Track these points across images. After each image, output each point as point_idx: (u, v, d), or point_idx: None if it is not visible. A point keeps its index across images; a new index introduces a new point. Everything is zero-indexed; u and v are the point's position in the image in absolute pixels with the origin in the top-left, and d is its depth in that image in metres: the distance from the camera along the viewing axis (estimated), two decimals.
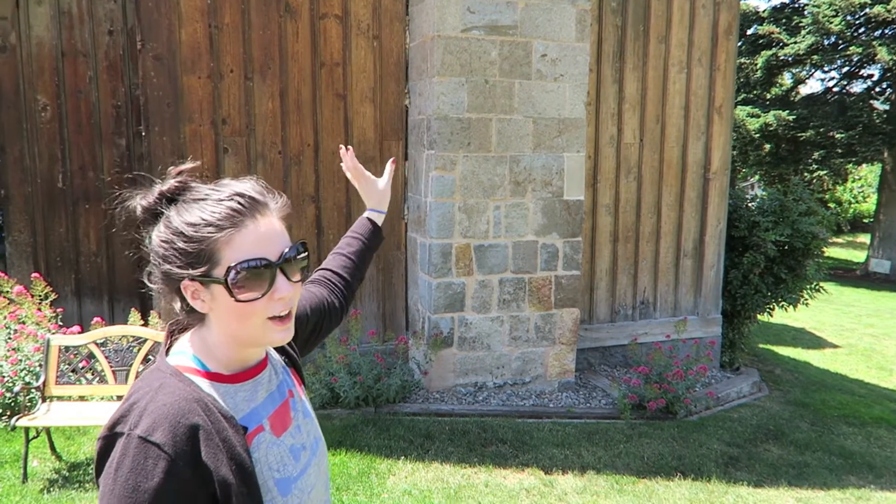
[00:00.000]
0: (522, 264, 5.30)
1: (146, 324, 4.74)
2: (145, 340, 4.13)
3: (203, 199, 0.99)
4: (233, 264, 0.97)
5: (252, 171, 5.10)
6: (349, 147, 1.66)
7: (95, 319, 4.63)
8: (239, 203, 0.99)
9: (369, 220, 1.65)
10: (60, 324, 4.75)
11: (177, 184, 1.02)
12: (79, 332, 4.30)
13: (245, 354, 1.07)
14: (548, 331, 5.44)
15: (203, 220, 0.97)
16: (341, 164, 1.65)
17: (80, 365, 4.55)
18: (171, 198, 1.01)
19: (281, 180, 5.20)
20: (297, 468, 1.10)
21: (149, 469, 0.91)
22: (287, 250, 1.01)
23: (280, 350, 1.26)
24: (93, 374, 4.52)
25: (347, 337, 5.07)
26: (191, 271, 0.98)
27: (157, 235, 1.01)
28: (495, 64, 5.04)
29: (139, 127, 5.21)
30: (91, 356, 4.27)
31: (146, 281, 1.05)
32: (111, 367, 4.05)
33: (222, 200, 0.99)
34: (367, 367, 4.94)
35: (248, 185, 1.04)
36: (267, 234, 1.00)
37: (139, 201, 1.02)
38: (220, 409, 1.00)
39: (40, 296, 4.73)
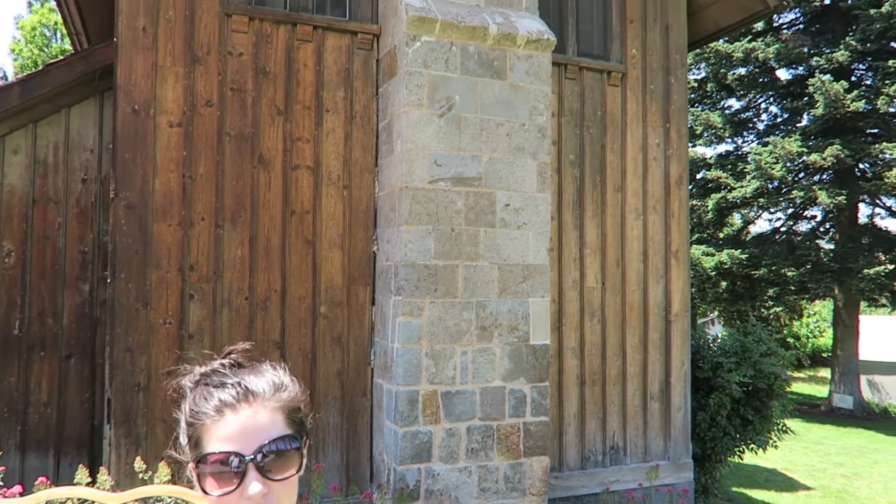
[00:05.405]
0: (490, 411, 5.21)
1: (94, 481, 4.45)
2: None
3: (207, 385, 1.00)
4: (203, 454, 0.95)
5: (218, 317, 5.06)
6: None
7: (40, 479, 4.34)
8: (230, 394, 0.97)
9: None
10: (0, 483, 4.44)
11: (212, 368, 1.03)
12: (20, 493, 4.01)
13: None
14: (517, 481, 5.26)
15: (198, 406, 0.97)
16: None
17: None
18: (201, 380, 1.03)
19: (246, 326, 5.15)
20: None
21: None
22: (266, 443, 0.95)
23: None
24: None
25: (309, 493, 4.82)
26: (185, 455, 0.98)
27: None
28: (461, 213, 5.23)
29: (105, 272, 5.18)
30: None
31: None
32: None
33: (220, 388, 0.98)
34: None
35: (264, 378, 1.02)
36: (246, 427, 0.95)
37: (184, 380, 1.03)
38: None
39: None
